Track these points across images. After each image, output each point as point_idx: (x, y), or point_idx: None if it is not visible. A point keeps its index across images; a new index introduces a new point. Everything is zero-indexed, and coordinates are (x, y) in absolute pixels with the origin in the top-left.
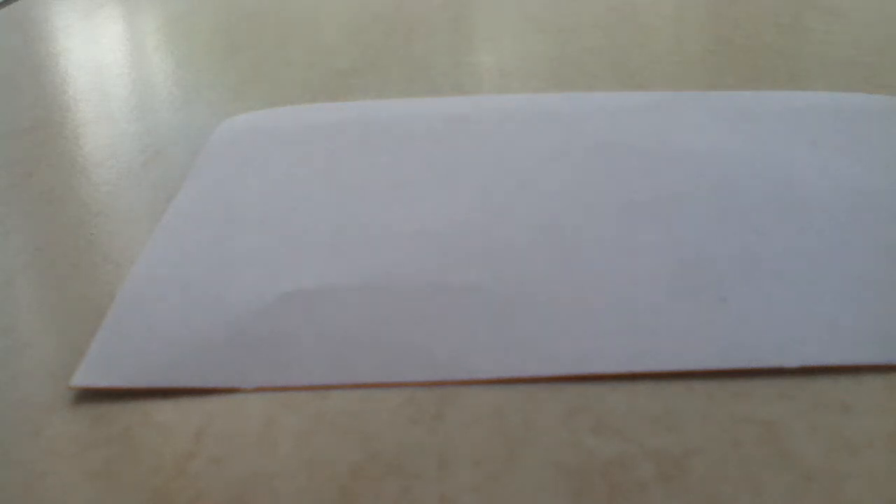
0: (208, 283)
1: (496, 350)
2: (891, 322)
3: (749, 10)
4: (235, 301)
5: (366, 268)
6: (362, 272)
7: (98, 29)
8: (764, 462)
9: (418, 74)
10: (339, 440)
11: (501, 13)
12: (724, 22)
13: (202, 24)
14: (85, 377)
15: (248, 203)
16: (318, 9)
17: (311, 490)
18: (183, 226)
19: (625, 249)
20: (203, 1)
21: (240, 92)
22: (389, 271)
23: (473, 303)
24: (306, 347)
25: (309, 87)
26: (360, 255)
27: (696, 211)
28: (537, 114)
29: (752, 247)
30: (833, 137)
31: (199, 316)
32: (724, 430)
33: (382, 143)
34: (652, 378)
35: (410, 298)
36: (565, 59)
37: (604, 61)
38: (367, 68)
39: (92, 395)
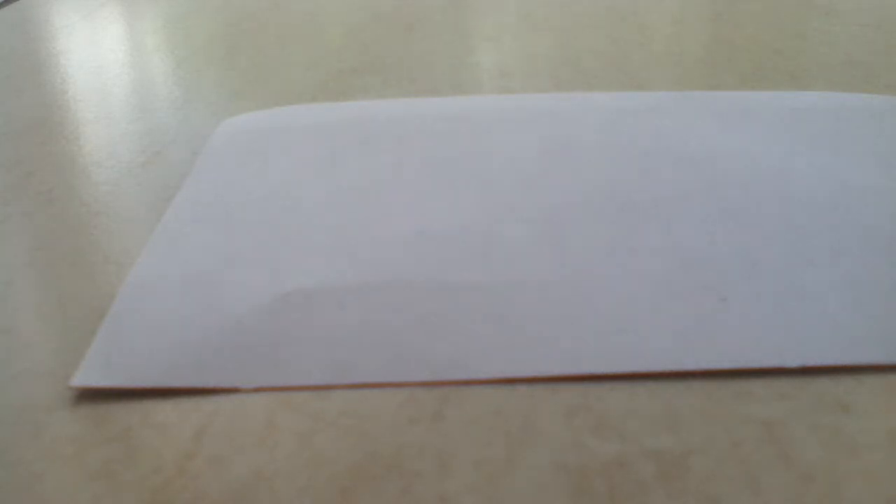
0: (208, 283)
1: (496, 350)
2: (890, 321)
3: (749, 9)
4: (235, 301)
5: (365, 268)
6: (362, 272)
7: (98, 29)
8: (764, 462)
9: (418, 74)
10: (339, 440)
11: (501, 13)
12: (724, 22)
13: (202, 25)
14: (85, 377)
15: (247, 203)
16: (318, 9)
17: (311, 490)
18: (182, 226)
19: (624, 249)
20: (203, 1)
21: (240, 92)
22: (389, 271)
23: (473, 302)
24: (306, 347)
25: (309, 87)
26: (359, 254)
27: (695, 211)
28: (537, 114)
29: (751, 247)
30: (832, 137)
31: (199, 316)
32: (724, 430)
33: (383, 142)
34: (652, 378)
35: (410, 298)
36: (565, 59)
37: (604, 61)
38: (368, 68)
39: (92, 395)
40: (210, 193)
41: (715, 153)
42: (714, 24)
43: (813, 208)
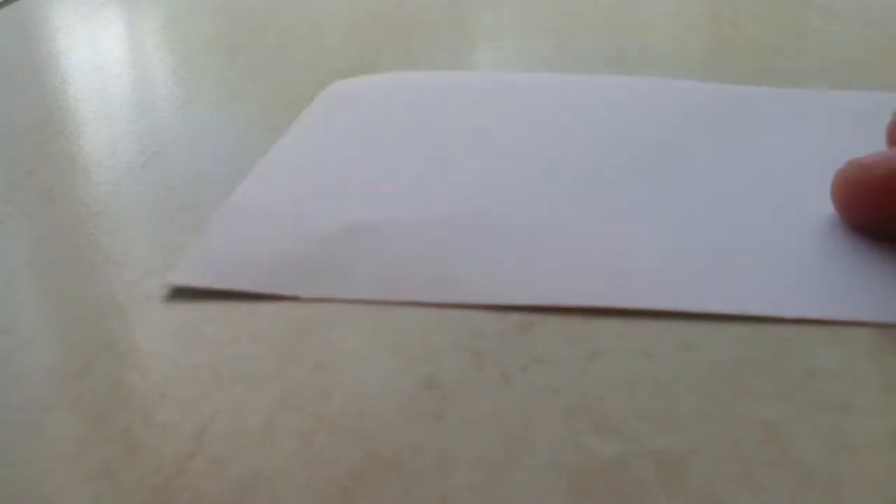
0: (290, 213)
1: (519, 280)
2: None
3: (749, 10)
4: (309, 228)
5: (424, 206)
6: (420, 210)
7: (98, 29)
8: (764, 462)
9: None
10: (339, 440)
11: (501, 13)
12: (724, 22)
13: (202, 24)
14: (180, 277)
15: (336, 152)
16: (318, 9)
17: (311, 490)
18: (277, 165)
19: (645, 208)
20: (203, 1)
21: (240, 92)
22: (445, 210)
23: (510, 239)
24: (360, 268)
25: (309, 86)
26: (422, 196)
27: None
28: (616, 95)
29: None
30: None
31: (277, 239)
32: (724, 430)
33: (467, 106)
34: (652, 378)
35: (456, 232)
36: (565, 59)
37: (604, 61)
38: (367, 68)
39: (93, 396)
40: (306, 141)
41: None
42: (714, 24)
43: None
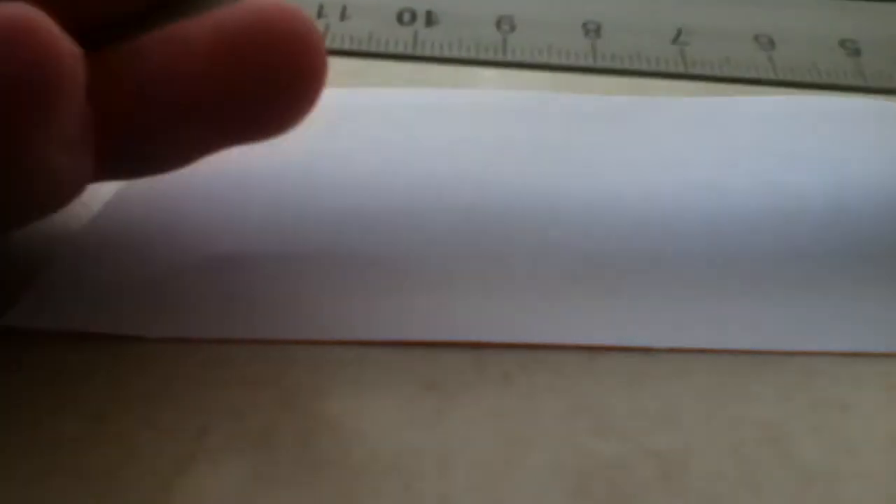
0: (143, 245)
1: (385, 315)
2: (742, 310)
3: None
4: (164, 259)
5: (292, 238)
6: (286, 241)
7: None
8: (764, 462)
9: (418, 74)
10: (339, 440)
11: None
12: None
13: None
14: (13, 318)
15: (203, 175)
16: None
17: (312, 490)
18: (137, 191)
19: (533, 241)
20: None
21: None
22: (312, 243)
23: (376, 273)
24: (211, 304)
25: None
26: (293, 226)
27: (606, 213)
28: (510, 111)
29: (653, 247)
30: (784, 143)
31: (126, 272)
32: (724, 430)
33: (355, 127)
34: (652, 377)
35: (322, 268)
36: None
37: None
38: (367, 68)
39: (94, 395)
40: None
41: (657, 162)
42: None
43: (732, 212)
